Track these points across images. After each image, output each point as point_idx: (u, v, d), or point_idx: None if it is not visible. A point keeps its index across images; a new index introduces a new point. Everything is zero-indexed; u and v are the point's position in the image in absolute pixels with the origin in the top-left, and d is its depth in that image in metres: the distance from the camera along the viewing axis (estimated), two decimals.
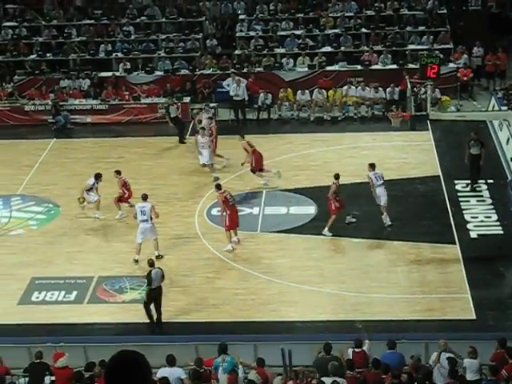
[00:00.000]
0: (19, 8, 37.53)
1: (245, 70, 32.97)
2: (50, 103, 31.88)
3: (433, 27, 34.67)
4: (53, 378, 16.76)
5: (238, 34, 35.62)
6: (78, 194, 24.80)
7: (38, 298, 21.41)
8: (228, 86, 32.11)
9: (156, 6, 37.08)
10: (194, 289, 21.45)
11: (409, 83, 26.32)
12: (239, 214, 23.45)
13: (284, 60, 33.62)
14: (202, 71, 33.65)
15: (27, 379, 16.96)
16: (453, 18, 35.35)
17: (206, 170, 26.99)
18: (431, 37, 34.07)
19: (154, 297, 19.83)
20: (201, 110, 29.95)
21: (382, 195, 23.53)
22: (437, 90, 29.73)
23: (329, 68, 33.14)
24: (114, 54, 34.94)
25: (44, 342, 18.43)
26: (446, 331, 18.59)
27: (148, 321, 19.90)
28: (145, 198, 22.72)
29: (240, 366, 16.46)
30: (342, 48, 34.06)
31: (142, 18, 36.52)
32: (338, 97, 31.71)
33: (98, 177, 24.59)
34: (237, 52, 34.68)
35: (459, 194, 25.42)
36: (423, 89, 27.22)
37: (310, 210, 24.90)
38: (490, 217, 24.24)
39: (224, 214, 22.93)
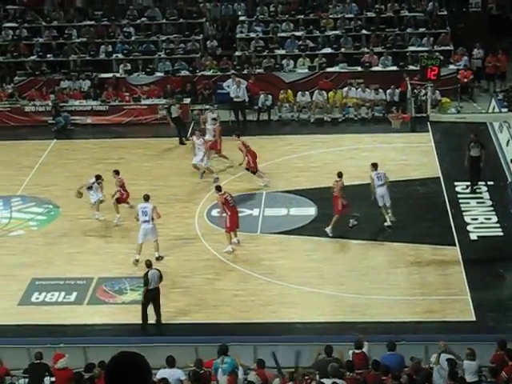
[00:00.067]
0: (20, 9, 37.57)
1: (245, 72, 32.98)
2: (51, 104, 31.89)
3: (433, 29, 34.69)
4: (53, 378, 16.75)
5: (238, 36, 35.64)
6: (77, 188, 24.72)
7: (38, 298, 21.41)
8: (228, 87, 32.11)
9: (156, 7, 37.13)
10: (193, 290, 21.44)
11: (409, 85, 26.31)
12: (239, 215, 23.46)
13: (284, 61, 33.62)
14: (202, 72, 33.66)
15: (27, 380, 16.97)
16: (453, 19, 35.38)
17: (194, 171, 26.97)
18: (431, 38, 34.10)
19: (151, 298, 19.83)
20: (206, 110, 30.04)
21: (382, 195, 23.49)
22: (437, 91, 29.74)
23: (329, 69, 33.14)
24: (114, 55, 34.96)
25: (44, 342, 18.43)
26: (445, 333, 18.58)
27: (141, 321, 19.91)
28: (147, 198, 22.72)
29: (240, 368, 16.46)
30: (343, 49, 34.07)
31: (143, 19, 36.54)
32: (338, 98, 31.72)
33: (97, 178, 24.56)
34: (237, 53, 34.70)
35: (459, 196, 25.43)
36: (423, 90, 27.22)
37: (310, 211, 24.90)
38: (489, 218, 24.25)
39: (224, 215, 22.94)
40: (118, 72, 33.95)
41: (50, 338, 18.82)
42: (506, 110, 28.60)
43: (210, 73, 33.66)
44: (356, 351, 16.66)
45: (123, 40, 35.54)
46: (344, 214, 23.37)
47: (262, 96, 31.69)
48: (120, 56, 34.76)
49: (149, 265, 20.09)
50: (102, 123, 31.79)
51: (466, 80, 32.20)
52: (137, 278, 21.57)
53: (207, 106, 30.96)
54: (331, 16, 35.79)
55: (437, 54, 30.69)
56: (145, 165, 28.33)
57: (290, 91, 32.05)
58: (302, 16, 35.91)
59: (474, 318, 19.77)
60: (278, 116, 31.90)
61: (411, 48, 33.97)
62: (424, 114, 24.67)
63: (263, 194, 26.06)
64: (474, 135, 25.44)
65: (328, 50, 34.22)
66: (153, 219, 22.33)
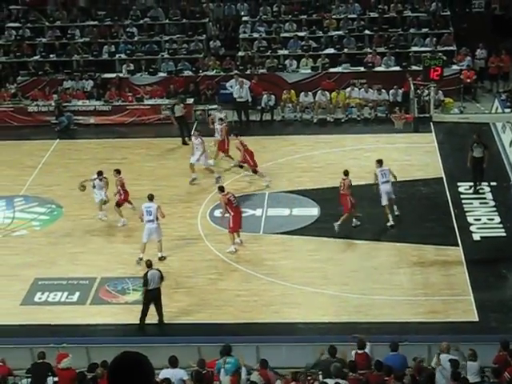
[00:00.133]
0: (23, 9, 37.59)
1: (248, 72, 32.98)
2: (54, 104, 31.92)
3: (436, 29, 34.67)
4: (56, 378, 16.76)
5: (241, 36, 35.65)
6: (81, 181, 24.74)
7: (40, 298, 21.41)
8: (231, 87, 32.12)
9: (159, 7, 37.12)
10: (196, 290, 21.44)
11: (412, 85, 26.29)
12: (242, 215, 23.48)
13: (287, 62, 33.63)
14: (205, 73, 33.67)
15: (30, 380, 16.98)
16: (456, 19, 35.36)
17: (189, 170, 27.01)
18: (434, 39, 34.08)
19: (151, 298, 19.83)
20: (214, 110, 30.09)
21: (387, 192, 23.51)
22: (440, 92, 29.74)
23: (332, 70, 33.13)
24: (117, 55, 34.98)
25: (47, 342, 18.43)
26: (448, 333, 18.58)
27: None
28: (151, 198, 22.72)
29: (243, 368, 16.46)
30: (346, 50, 34.05)
31: (146, 19, 36.54)
32: (341, 98, 31.71)
33: (98, 174, 24.51)
34: (240, 53, 34.70)
35: (462, 197, 25.41)
36: (426, 91, 27.19)
37: (313, 211, 24.89)
38: (492, 219, 24.22)
39: (226, 215, 22.93)
40: (121, 72, 33.97)
41: (53, 338, 18.82)
42: (509, 110, 28.59)
43: (213, 73, 33.66)
44: (359, 351, 16.66)
45: (126, 40, 35.55)
46: (353, 212, 23.43)
47: (264, 96, 31.69)
48: (123, 56, 34.77)
49: (149, 265, 20.11)
50: (105, 123, 31.79)
51: (469, 80, 32.17)
52: (140, 278, 21.50)
53: (215, 106, 30.99)
54: (334, 16, 35.78)
55: (440, 54, 30.59)
56: (148, 165, 28.34)
57: (292, 91, 32.04)
58: (305, 16, 35.90)
59: (476, 319, 19.76)
60: (280, 116, 31.90)
61: (414, 48, 33.96)
62: (427, 115, 24.66)
63: (266, 195, 26.05)
64: (476, 136, 25.42)
65: (331, 51, 34.22)
66: (157, 219, 22.34)
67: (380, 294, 20.83)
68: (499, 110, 29.43)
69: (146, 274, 19.81)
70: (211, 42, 35.65)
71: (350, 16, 35.68)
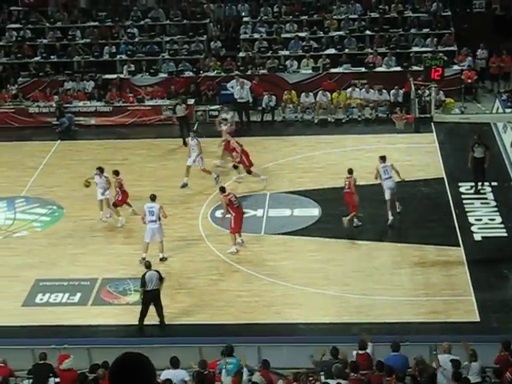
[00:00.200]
0: (23, 10, 37.60)
1: (249, 72, 32.98)
2: (54, 105, 31.92)
3: (437, 29, 34.67)
4: (57, 379, 16.76)
5: (242, 36, 35.65)
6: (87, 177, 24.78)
7: (41, 299, 21.40)
8: (232, 88, 32.12)
9: (160, 8, 37.14)
10: (197, 291, 21.43)
11: (413, 85, 26.31)
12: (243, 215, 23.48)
13: (288, 62, 33.63)
14: (206, 73, 33.68)
15: (31, 381, 16.98)
16: (457, 20, 35.35)
17: (194, 172, 26.97)
18: (435, 39, 34.07)
19: (150, 299, 19.80)
20: (222, 110, 30.17)
21: (390, 187, 23.55)
22: (441, 92, 29.76)
23: (333, 70, 33.13)
24: (118, 56, 34.99)
25: (48, 343, 18.43)
26: (449, 333, 18.55)
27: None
28: (153, 198, 22.72)
29: (245, 369, 16.45)
30: (346, 50, 34.06)
31: (147, 20, 36.55)
32: (341, 99, 31.71)
33: (98, 170, 24.49)
34: (241, 54, 34.71)
35: (463, 197, 25.41)
36: (427, 91, 27.22)
37: (314, 212, 24.89)
38: (494, 219, 24.22)
39: (228, 216, 22.93)
40: (121, 73, 33.98)
41: (54, 339, 18.82)
42: (510, 110, 28.59)
43: (213, 74, 33.67)
44: (360, 352, 16.65)
45: (127, 41, 35.57)
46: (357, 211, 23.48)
47: (265, 97, 31.69)
48: (124, 57, 34.78)
49: (147, 266, 20.11)
50: (106, 124, 31.81)
51: (469, 80, 32.17)
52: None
53: (222, 107, 31.04)
54: (335, 17, 35.79)
55: (441, 54, 30.70)
56: (148, 166, 28.34)
57: (293, 92, 32.05)
58: (306, 17, 35.91)
59: (478, 319, 19.75)
60: (281, 117, 31.91)
61: (415, 48, 33.95)
62: (428, 115, 24.68)
63: (267, 195, 26.05)
64: (477, 136, 25.42)
65: (332, 51, 34.23)
66: (159, 219, 22.33)
67: (381, 295, 20.83)
68: (500, 111, 29.43)
69: (143, 275, 19.81)
70: (212, 43, 35.66)
71: (350, 16, 35.69)
